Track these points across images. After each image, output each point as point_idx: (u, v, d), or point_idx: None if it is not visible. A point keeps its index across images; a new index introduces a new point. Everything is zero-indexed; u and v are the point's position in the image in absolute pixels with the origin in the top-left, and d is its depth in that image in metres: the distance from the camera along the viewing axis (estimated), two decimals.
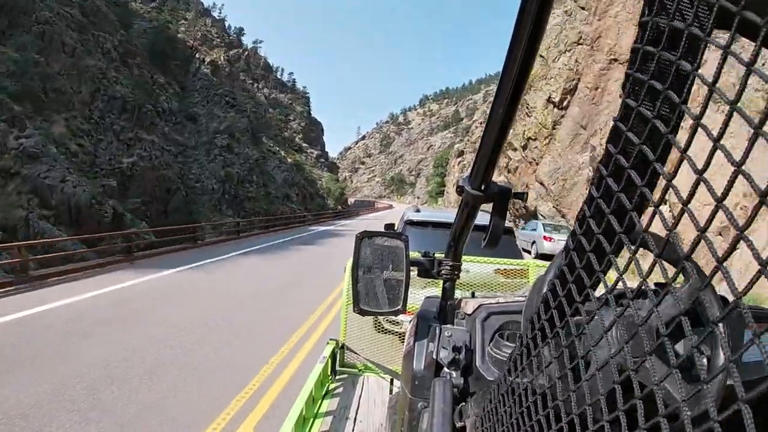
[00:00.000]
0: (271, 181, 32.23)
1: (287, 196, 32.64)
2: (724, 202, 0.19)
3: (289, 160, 38.69)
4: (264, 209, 28.25)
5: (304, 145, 68.69)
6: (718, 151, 0.19)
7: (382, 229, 1.67)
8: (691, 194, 0.22)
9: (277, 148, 38.18)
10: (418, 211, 4.57)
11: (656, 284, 0.28)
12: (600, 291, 0.35)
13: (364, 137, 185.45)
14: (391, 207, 79.96)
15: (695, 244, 0.22)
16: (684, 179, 0.21)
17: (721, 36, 0.22)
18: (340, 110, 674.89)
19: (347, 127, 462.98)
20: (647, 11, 0.28)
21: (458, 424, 0.71)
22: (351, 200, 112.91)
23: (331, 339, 2.53)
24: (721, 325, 0.20)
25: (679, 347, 0.45)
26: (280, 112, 66.76)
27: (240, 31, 77.28)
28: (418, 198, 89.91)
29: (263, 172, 31.71)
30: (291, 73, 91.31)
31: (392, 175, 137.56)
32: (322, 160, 68.05)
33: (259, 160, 31.29)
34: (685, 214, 0.23)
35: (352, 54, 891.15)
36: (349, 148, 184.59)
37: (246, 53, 72.87)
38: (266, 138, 38.68)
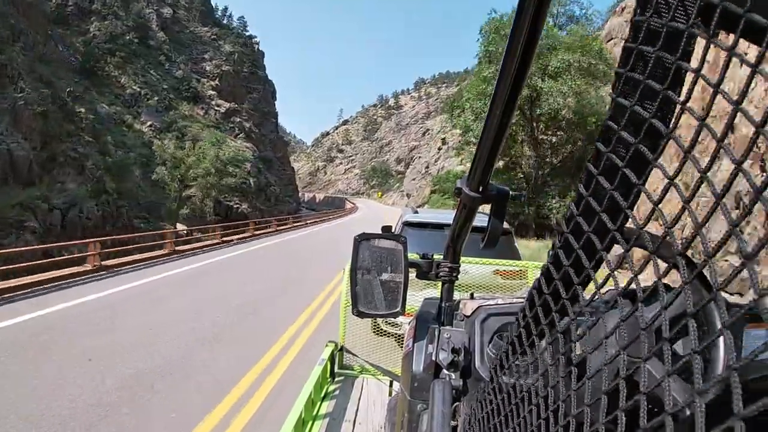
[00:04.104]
0: None
1: None
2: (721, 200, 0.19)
3: None
4: None
5: (211, 92, 40.30)
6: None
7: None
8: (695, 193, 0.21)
9: None
10: (416, 212, 4.51)
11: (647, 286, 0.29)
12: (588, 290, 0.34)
13: (346, 121, 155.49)
14: (354, 207, 53.54)
15: (690, 240, 0.23)
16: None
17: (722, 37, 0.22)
18: (324, 94, 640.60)
19: (331, 111, 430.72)
20: (639, 11, 0.28)
21: (452, 423, 0.72)
22: (320, 196, 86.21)
23: (330, 341, 2.55)
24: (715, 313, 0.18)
25: (679, 346, 0.45)
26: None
27: None
28: (408, 196, 60.50)
29: None
30: (241, 17, 62.49)
31: (374, 164, 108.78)
32: (238, 120, 39.78)
33: None
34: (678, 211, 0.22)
35: (340, 36, 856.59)
36: (328, 133, 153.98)
37: None
38: None
